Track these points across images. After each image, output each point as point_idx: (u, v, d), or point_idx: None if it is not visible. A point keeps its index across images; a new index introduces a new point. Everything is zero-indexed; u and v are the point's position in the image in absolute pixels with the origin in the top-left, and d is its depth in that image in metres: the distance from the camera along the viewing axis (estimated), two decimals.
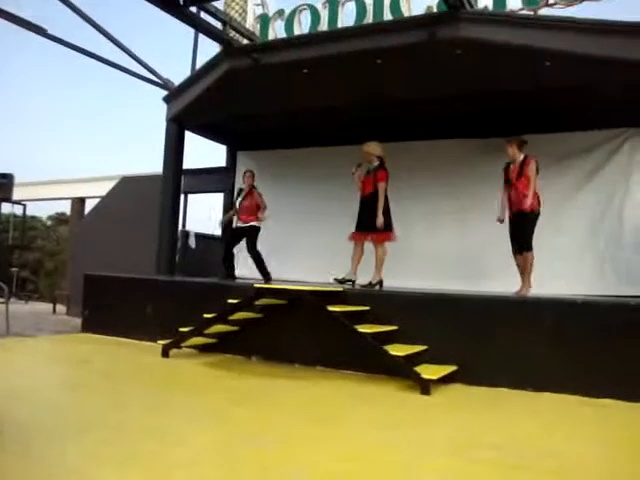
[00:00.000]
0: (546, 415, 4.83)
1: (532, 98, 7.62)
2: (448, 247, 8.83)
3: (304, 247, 9.59)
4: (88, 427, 3.82)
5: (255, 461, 3.28)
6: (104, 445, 3.44)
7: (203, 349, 7.21)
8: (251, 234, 8.46)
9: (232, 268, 8.75)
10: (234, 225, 8.87)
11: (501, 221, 7.18)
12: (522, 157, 6.95)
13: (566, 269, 8.08)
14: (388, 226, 7.27)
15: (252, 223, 8.44)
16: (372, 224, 7.18)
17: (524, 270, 6.89)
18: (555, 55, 6.32)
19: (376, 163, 7.35)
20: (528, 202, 6.73)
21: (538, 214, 6.92)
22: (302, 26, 8.17)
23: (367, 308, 6.39)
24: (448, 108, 8.25)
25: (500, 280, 7.84)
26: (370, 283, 7.28)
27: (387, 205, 7.32)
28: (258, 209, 8.48)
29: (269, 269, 8.59)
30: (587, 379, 5.43)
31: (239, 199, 8.63)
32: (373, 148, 7.38)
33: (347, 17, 7.87)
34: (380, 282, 7.35)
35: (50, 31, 7.93)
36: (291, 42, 7.59)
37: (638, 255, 7.89)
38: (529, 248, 6.85)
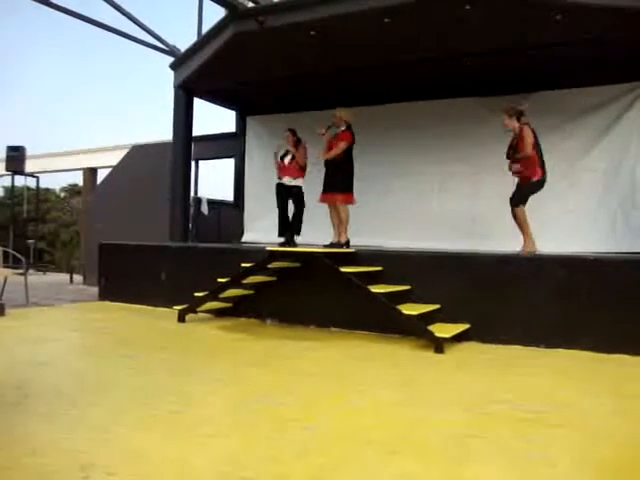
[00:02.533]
0: (559, 371, 4.88)
1: (543, 53, 7.46)
2: (459, 207, 8.78)
3: (316, 211, 9.59)
4: (109, 390, 3.93)
5: (272, 418, 3.37)
6: (125, 406, 3.55)
7: (218, 313, 7.32)
8: (295, 194, 7.98)
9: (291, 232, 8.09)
10: (281, 179, 8.06)
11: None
12: (519, 128, 6.79)
13: (579, 226, 8.05)
14: (349, 188, 7.36)
15: (298, 183, 7.95)
16: (337, 186, 7.30)
17: (520, 227, 6.82)
18: (566, 8, 6.18)
19: (343, 127, 7.45)
20: (523, 174, 6.77)
21: (537, 183, 6.81)
22: None
23: (380, 269, 6.44)
24: (458, 66, 8.11)
25: (510, 240, 7.84)
26: (339, 242, 7.37)
27: (351, 169, 7.40)
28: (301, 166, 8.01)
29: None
30: (600, 335, 5.47)
31: (287, 158, 7.99)
32: (344, 113, 7.50)
33: None
34: (347, 242, 7.43)
35: (53, 0, 7.89)
36: (297, 3, 7.46)
37: None
38: (517, 204, 6.78)
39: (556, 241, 7.75)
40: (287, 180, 7.95)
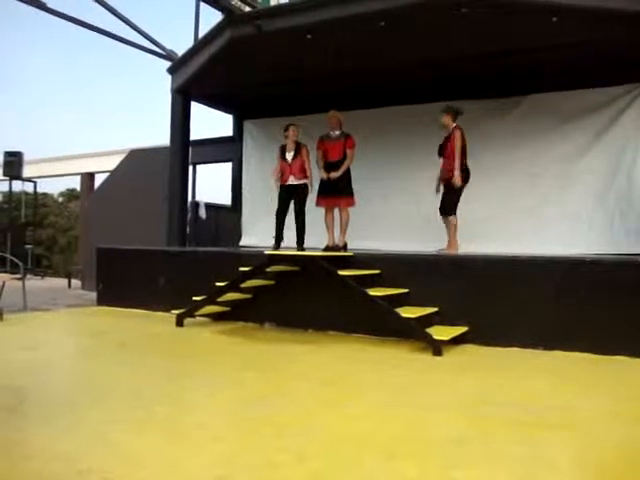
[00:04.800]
0: (557, 373, 4.88)
1: (539, 56, 7.48)
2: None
3: (315, 215, 9.60)
4: (107, 394, 3.92)
5: (269, 422, 3.35)
6: (123, 410, 3.54)
7: (217, 318, 7.31)
8: (303, 194, 7.46)
9: (281, 237, 7.63)
10: (286, 183, 7.53)
11: (437, 191, 7.44)
12: (452, 128, 7.16)
13: (576, 228, 8.04)
14: (351, 191, 7.41)
15: (305, 181, 7.43)
16: (342, 189, 7.32)
17: (449, 231, 7.22)
18: (561, 10, 6.19)
19: (338, 131, 7.49)
20: (455, 175, 7.06)
21: (461, 188, 7.21)
22: None
23: (378, 272, 6.44)
24: (452, 69, 8.14)
25: (508, 242, 7.88)
26: (337, 246, 7.39)
27: (349, 172, 7.45)
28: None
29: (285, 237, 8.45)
30: (598, 337, 5.46)
31: (290, 154, 7.48)
32: (339, 116, 7.53)
33: None
34: (345, 245, 7.46)
35: (50, 4, 7.88)
36: (293, 7, 7.48)
37: None
38: (452, 213, 7.25)
39: (554, 243, 7.76)
40: (292, 180, 7.44)
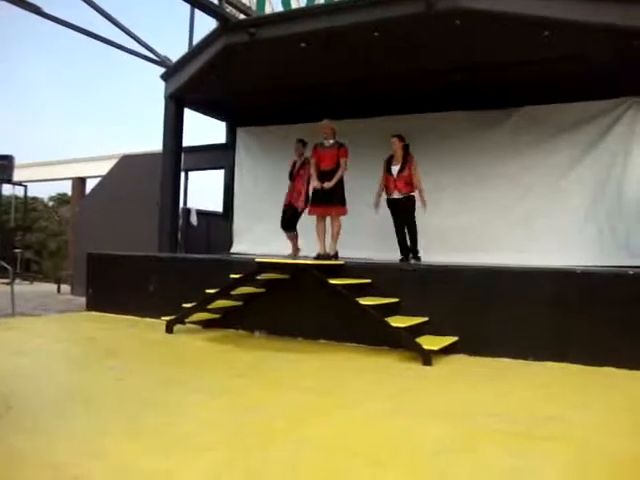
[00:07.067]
0: (547, 384, 4.89)
1: (531, 69, 7.55)
2: (448, 221, 8.79)
3: (306, 223, 9.61)
4: (95, 402, 3.88)
5: (260, 431, 3.34)
6: (112, 419, 3.51)
7: (207, 325, 7.28)
8: (406, 206, 7.46)
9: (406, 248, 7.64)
10: (391, 197, 7.54)
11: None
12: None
13: (566, 240, 8.08)
14: (343, 201, 7.35)
15: (406, 194, 7.42)
16: (333, 198, 7.25)
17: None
18: (553, 24, 6.25)
19: (332, 140, 7.42)
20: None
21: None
22: None
23: (369, 281, 6.44)
24: (446, 80, 8.18)
25: (500, 252, 7.90)
26: (328, 255, 7.33)
27: (343, 181, 7.42)
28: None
29: (274, 246, 8.38)
30: (589, 348, 5.49)
31: (396, 167, 7.45)
32: (332, 125, 7.47)
33: None
34: (336, 254, 7.41)
35: (45, 9, 7.87)
36: (288, 16, 7.52)
37: (638, 225, 7.87)
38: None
39: (545, 254, 7.80)
40: (396, 194, 7.45)
